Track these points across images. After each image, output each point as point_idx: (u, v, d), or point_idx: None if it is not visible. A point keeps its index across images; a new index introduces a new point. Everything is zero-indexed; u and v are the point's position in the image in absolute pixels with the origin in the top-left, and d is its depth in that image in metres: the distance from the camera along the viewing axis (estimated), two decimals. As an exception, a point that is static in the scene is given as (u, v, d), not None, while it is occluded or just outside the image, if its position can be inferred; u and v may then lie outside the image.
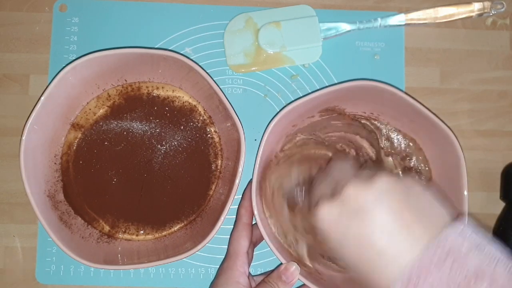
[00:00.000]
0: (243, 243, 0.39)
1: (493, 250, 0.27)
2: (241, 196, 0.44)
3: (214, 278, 0.40)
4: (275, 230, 0.43)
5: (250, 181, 0.41)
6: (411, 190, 0.30)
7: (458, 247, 0.27)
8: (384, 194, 0.29)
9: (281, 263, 0.39)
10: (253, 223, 0.41)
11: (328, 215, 0.31)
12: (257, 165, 0.39)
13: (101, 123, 0.45)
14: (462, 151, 0.40)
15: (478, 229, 0.28)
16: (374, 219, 0.29)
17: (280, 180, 0.42)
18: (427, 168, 0.44)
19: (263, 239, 0.40)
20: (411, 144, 0.45)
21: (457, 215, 0.30)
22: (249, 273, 0.40)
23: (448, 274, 0.26)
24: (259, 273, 0.46)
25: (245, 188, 0.44)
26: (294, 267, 0.38)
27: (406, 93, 0.40)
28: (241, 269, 0.38)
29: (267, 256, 0.46)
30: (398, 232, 0.28)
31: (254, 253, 0.44)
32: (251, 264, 0.43)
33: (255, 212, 0.39)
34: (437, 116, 0.40)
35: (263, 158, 0.43)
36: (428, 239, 0.27)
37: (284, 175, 0.42)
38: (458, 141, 0.40)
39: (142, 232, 0.45)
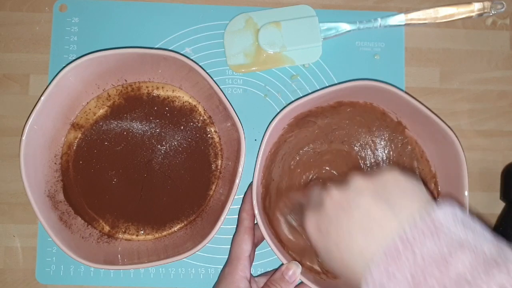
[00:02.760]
0: (245, 247, 0.39)
1: (479, 227, 0.27)
2: (241, 196, 0.44)
3: (216, 283, 0.40)
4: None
5: (251, 183, 0.42)
6: (386, 183, 0.30)
7: (444, 222, 0.26)
8: (356, 195, 0.29)
9: (282, 264, 0.39)
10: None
11: (312, 225, 0.31)
12: (258, 165, 0.39)
13: (101, 123, 0.45)
14: (463, 151, 0.40)
15: (463, 209, 0.28)
16: (348, 221, 0.29)
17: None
18: (427, 168, 0.44)
19: (264, 239, 0.40)
20: (409, 146, 0.45)
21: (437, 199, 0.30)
22: (251, 274, 0.40)
23: (431, 246, 0.25)
24: (259, 273, 0.46)
25: (246, 191, 0.44)
26: (295, 266, 0.38)
27: (407, 93, 0.40)
28: (242, 274, 0.38)
29: (268, 256, 0.46)
30: (371, 227, 0.28)
31: (255, 253, 0.44)
32: (252, 264, 0.43)
33: (256, 212, 0.39)
34: (438, 116, 0.40)
35: (264, 158, 0.43)
36: (410, 219, 0.27)
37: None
38: (459, 141, 0.40)
39: (142, 232, 0.45)
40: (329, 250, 0.30)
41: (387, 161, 0.45)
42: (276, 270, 0.39)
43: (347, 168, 0.45)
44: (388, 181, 0.30)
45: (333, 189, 0.31)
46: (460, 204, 0.40)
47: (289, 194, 0.43)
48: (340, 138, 0.45)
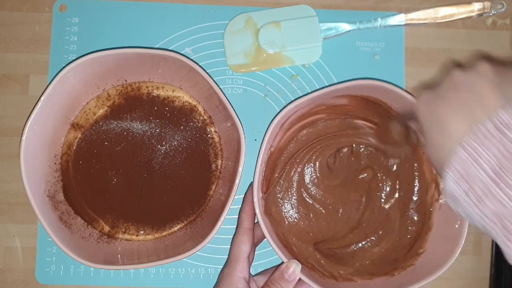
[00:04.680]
0: (243, 248, 0.39)
1: None
2: (241, 196, 0.44)
3: (215, 284, 0.40)
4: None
5: (251, 184, 0.41)
6: (508, 73, 0.30)
7: None
8: (475, 77, 0.29)
9: (282, 262, 0.39)
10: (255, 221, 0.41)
11: (422, 103, 0.32)
12: (258, 165, 0.39)
13: (101, 123, 0.45)
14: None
15: None
16: (456, 97, 0.29)
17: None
18: (428, 170, 0.44)
19: (264, 238, 0.40)
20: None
21: None
22: (250, 274, 0.40)
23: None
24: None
25: (246, 192, 0.44)
26: (295, 265, 0.38)
27: (408, 93, 0.40)
28: (241, 275, 0.38)
29: (268, 256, 0.46)
30: (474, 107, 0.28)
31: (254, 253, 0.44)
32: (252, 264, 0.43)
33: (257, 211, 0.39)
34: None
35: (265, 158, 0.43)
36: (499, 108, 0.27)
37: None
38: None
39: (142, 232, 0.45)
40: (430, 125, 0.30)
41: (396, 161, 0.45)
42: (275, 269, 0.39)
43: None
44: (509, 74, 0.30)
45: (457, 71, 0.31)
46: None
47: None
48: (344, 140, 0.45)
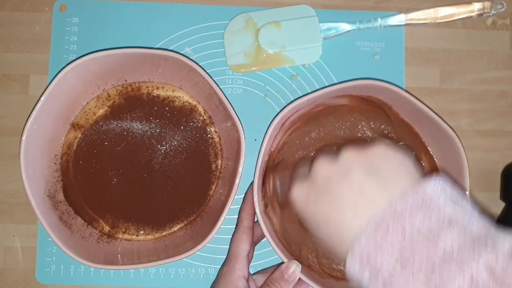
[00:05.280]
0: (243, 246, 0.39)
1: (469, 205, 0.26)
2: (241, 196, 0.44)
3: (214, 282, 0.40)
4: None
5: (251, 183, 0.42)
6: (376, 156, 0.29)
7: (435, 197, 0.26)
8: (346, 168, 0.29)
9: (282, 262, 0.39)
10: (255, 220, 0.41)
11: (299, 194, 0.31)
12: (259, 165, 0.39)
13: (101, 123, 0.45)
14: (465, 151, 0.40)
15: (454, 185, 0.28)
16: (337, 194, 0.28)
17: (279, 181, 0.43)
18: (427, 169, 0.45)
19: (264, 237, 0.40)
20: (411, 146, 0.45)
21: (431, 174, 0.29)
22: (249, 273, 0.40)
23: (421, 220, 0.25)
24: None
25: (246, 191, 0.44)
26: (295, 265, 0.38)
27: (408, 93, 0.40)
28: (240, 273, 0.38)
29: (268, 256, 0.46)
30: (361, 201, 0.27)
31: (254, 252, 0.44)
32: (251, 263, 0.43)
33: (257, 211, 0.39)
34: (440, 117, 0.40)
35: (265, 158, 0.43)
36: (400, 193, 0.27)
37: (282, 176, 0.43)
38: (461, 142, 0.40)
39: (142, 232, 0.45)
40: (316, 221, 0.30)
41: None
42: (275, 268, 0.39)
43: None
44: (379, 154, 0.29)
45: (324, 160, 0.30)
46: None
47: (279, 170, 0.43)
48: (342, 136, 0.45)
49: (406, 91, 0.41)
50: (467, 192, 0.40)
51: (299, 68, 0.48)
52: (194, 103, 0.46)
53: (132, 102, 0.46)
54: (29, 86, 0.48)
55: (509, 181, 0.47)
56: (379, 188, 0.27)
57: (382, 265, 0.25)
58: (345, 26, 0.48)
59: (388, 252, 0.25)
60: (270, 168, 0.44)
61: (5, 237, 0.46)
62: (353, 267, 0.27)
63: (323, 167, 0.30)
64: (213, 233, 0.39)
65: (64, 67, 0.39)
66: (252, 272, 0.43)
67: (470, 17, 0.49)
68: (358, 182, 0.28)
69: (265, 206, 0.43)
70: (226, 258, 0.40)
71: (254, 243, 0.43)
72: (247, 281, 0.38)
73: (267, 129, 0.40)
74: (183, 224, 0.46)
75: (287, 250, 0.42)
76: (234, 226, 0.41)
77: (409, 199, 0.26)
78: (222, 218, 0.39)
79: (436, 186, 0.26)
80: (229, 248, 0.40)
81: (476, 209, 0.26)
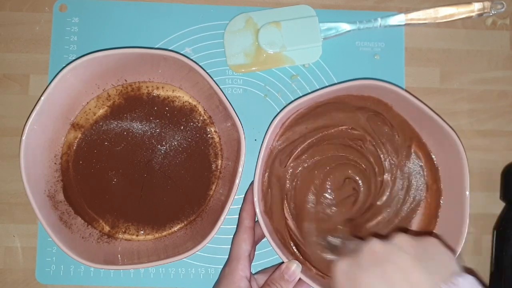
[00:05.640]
0: (244, 247, 0.39)
1: None
2: (241, 196, 0.44)
3: (216, 283, 0.40)
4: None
5: (251, 183, 0.42)
6: (427, 248, 0.31)
7: None
8: (397, 251, 0.30)
9: (282, 262, 0.39)
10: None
11: (341, 271, 0.32)
12: (259, 165, 0.39)
13: (101, 123, 0.45)
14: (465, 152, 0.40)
15: (482, 282, 0.29)
16: (382, 274, 0.29)
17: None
18: (428, 170, 0.45)
19: (264, 237, 0.40)
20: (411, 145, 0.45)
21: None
22: (251, 273, 0.40)
23: None
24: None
25: (247, 191, 0.44)
26: (295, 265, 0.38)
27: (409, 93, 0.40)
28: (242, 273, 0.38)
29: (267, 256, 0.46)
30: (403, 286, 0.28)
31: (255, 252, 0.44)
32: (252, 263, 0.43)
33: (257, 210, 0.39)
34: (440, 117, 0.40)
35: (265, 157, 0.43)
36: (439, 284, 0.28)
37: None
38: (461, 142, 0.40)
39: (142, 232, 0.45)
40: None
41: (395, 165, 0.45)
42: (276, 268, 0.39)
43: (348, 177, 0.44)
44: (430, 246, 0.31)
45: (375, 240, 0.31)
46: (461, 204, 0.40)
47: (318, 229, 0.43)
48: (342, 137, 0.44)
49: (406, 91, 0.41)
50: (467, 193, 0.40)
51: (299, 68, 0.48)
52: (194, 103, 0.46)
53: (132, 102, 0.46)
54: (29, 86, 0.48)
55: (509, 181, 0.47)
56: (424, 277, 0.29)
57: None
58: (345, 26, 0.48)
59: None
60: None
61: (5, 237, 0.46)
62: None
63: (374, 246, 0.31)
64: (213, 233, 0.39)
65: (64, 67, 0.39)
66: (252, 272, 0.44)
67: (470, 17, 0.49)
68: (405, 266, 0.29)
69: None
70: (228, 258, 0.40)
71: (255, 243, 0.43)
72: (249, 281, 0.38)
73: (267, 129, 0.40)
74: (183, 224, 0.46)
75: (287, 250, 0.42)
76: (234, 226, 0.41)
77: None
78: (222, 218, 0.39)
79: (469, 282, 0.28)
80: (231, 248, 0.40)
81: None
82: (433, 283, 0.28)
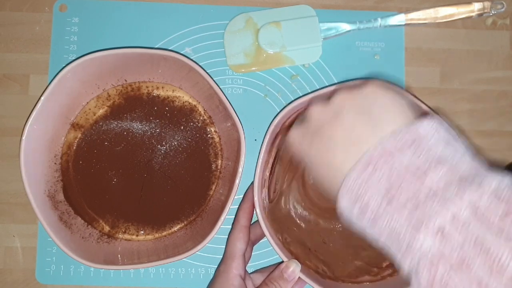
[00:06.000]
0: (239, 245, 0.39)
1: (461, 146, 0.26)
2: (241, 196, 0.44)
3: (211, 280, 0.40)
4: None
5: (251, 183, 0.41)
6: (368, 97, 0.29)
7: (427, 137, 0.26)
8: (339, 110, 0.29)
9: (282, 261, 0.39)
10: (254, 221, 0.41)
11: (295, 137, 0.32)
12: (259, 165, 0.39)
13: (101, 123, 0.45)
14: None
15: (450, 127, 0.27)
16: (329, 136, 0.29)
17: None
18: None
19: (263, 237, 0.40)
20: None
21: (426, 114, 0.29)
22: (246, 272, 0.40)
23: (410, 158, 0.25)
24: (259, 273, 0.46)
25: (246, 190, 0.44)
26: (295, 265, 0.38)
27: (409, 93, 0.40)
28: (236, 272, 0.38)
29: (267, 256, 0.46)
30: (352, 141, 0.28)
31: (253, 253, 0.44)
32: (250, 264, 0.43)
33: (257, 210, 0.39)
34: (440, 117, 0.40)
35: (265, 158, 0.43)
36: (390, 132, 0.27)
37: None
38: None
39: (142, 232, 0.45)
40: (310, 163, 0.30)
41: None
42: (275, 267, 0.39)
43: None
44: (370, 94, 0.29)
45: (317, 105, 0.31)
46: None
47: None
48: None
49: (406, 90, 0.41)
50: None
51: (299, 68, 0.48)
52: (194, 103, 0.46)
53: (132, 102, 0.46)
54: (29, 86, 0.48)
55: (509, 181, 0.47)
56: (370, 127, 0.28)
57: (369, 202, 0.26)
58: (345, 26, 0.48)
59: (375, 189, 0.25)
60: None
61: (5, 237, 0.46)
62: (343, 204, 0.27)
63: (316, 110, 0.31)
64: (213, 233, 0.39)
65: (64, 67, 0.39)
66: (250, 271, 0.44)
67: (470, 17, 0.49)
68: (349, 123, 0.28)
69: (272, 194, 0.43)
70: (223, 257, 0.40)
71: (253, 242, 0.43)
72: (244, 279, 0.38)
73: (267, 129, 0.40)
74: (183, 224, 0.46)
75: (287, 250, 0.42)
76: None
77: (400, 137, 0.26)
78: (222, 218, 0.39)
79: (430, 127, 0.26)
80: (226, 247, 0.40)
81: (469, 150, 0.26)
82: (380, 133, 0.27)
